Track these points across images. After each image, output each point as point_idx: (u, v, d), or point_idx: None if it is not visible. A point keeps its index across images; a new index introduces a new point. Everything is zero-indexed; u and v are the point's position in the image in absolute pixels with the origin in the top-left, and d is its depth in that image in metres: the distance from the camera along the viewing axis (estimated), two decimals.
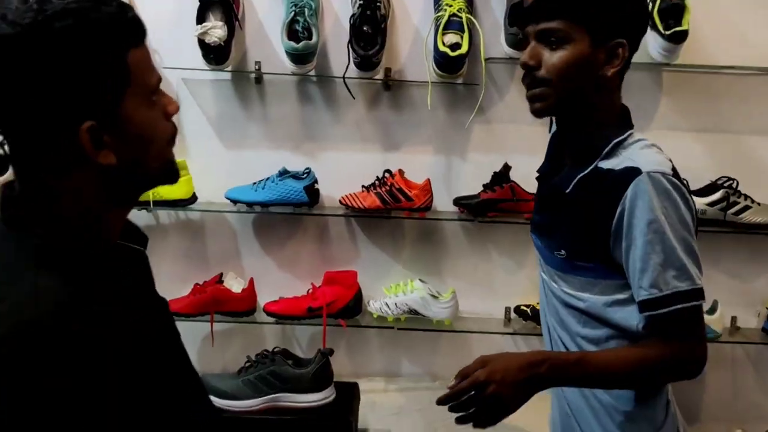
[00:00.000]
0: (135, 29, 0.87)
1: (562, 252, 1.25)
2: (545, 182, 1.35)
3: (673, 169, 1.19)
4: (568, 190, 1.24)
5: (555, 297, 1.32)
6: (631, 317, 1.20)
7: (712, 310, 2.06)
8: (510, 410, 1.14)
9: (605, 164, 1.20)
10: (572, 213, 1.23)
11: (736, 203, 2.01)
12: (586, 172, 1.22)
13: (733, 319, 2.16)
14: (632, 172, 1.15)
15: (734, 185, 2.02)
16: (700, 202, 1.98)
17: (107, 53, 0.83)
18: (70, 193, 0.86)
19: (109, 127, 0.84)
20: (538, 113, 1.25)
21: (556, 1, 1.17)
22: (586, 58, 1.18)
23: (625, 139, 1.22)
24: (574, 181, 1.23)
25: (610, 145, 1.21)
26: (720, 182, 2.04)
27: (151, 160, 0.90)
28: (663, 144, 1.24)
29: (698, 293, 1.15)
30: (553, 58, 1.19)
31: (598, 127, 1.23)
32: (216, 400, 1.79)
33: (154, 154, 0.90)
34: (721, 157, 2.10)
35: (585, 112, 1.23)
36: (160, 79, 0.91)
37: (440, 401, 1.14)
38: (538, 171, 1.40)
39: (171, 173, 0.95)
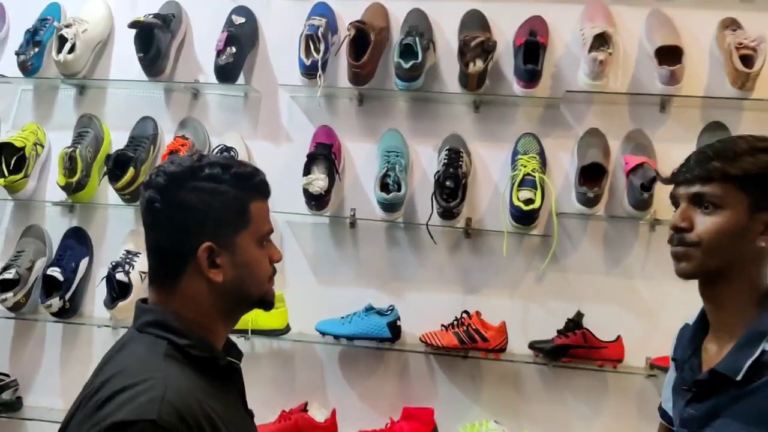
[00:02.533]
0: (261, 188, 1.17)
1: None
2: (688, 369, 1.23)
3: None
4: (739, 378, 1.11)
5: None
6: None
7: None
8: None
9: None
10: (750, 404, 1.10)
11: None
12: (755, 356, 1.10)
13: None
14: None
15: None
16: None
17: (237, 198, 1.12)
18: (189, 303, 1.11)
19: (225, 253, 1.10)
20: (683, 273, 1.18)
21: (715, 165, 1.11)
22: (742, 226, 1.12)
23: None
24: (745, 367, 1.11)
25: None
26: None
27: (251, 287, 1.15)
28: None
29: None
30: (706, 222, 1.13)
31: (751, 304, 1.14)
32: None
33: (255, 284, 1.16)
34: None
35: (731, 281, 1.15)
36: (271, 230, 1.19)
37: None
38: (674, 357, 1.31)
39: (266, 303, 1.20)
